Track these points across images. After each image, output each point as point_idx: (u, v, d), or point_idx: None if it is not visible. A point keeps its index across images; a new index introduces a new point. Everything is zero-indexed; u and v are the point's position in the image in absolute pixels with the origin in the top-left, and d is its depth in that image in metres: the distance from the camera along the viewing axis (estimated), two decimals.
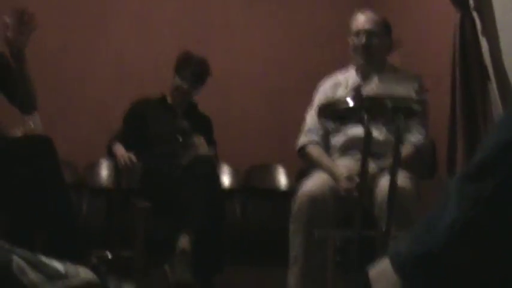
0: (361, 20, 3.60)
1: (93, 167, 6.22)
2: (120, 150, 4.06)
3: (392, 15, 5.42)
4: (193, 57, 4.39)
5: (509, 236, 1.22)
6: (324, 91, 3.73)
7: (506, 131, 1.21)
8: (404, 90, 2.95)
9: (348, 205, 3.13)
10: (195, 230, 3.55)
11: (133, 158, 4.02)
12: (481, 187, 1.20)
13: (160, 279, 3.59)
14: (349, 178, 3.23)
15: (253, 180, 6.56)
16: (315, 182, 3.34)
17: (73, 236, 3.08)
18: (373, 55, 3.54)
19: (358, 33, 3.56)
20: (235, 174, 6.50)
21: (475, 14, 3.90)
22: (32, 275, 1.65)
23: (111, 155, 4.21)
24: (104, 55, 6.67)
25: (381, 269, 1.38)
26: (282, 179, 6.55)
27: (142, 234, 3.87)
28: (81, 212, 5.78)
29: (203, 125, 4.41)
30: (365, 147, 2.89)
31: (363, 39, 3.55)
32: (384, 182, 3.05)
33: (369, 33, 3.54)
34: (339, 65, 3.65)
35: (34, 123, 4.15)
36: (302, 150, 3.69)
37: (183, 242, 3.48)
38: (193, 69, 4.30)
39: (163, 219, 3.90)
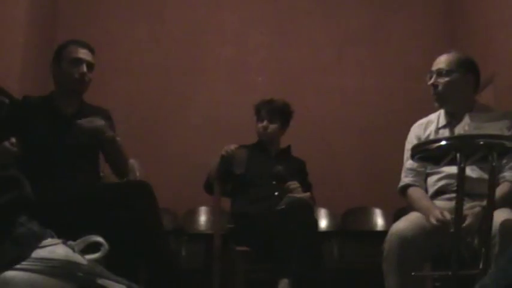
0: (435, 62, 3.61)
1: (192, 213, 6.41)
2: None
3: (482, 53, 5.42)
4: (267, 99, 4.57)
5: None
6: (414, 130, 3.75)
7: None
8: (496, 128, 2.95)
9: (445, 243, 3.11)
10: (294, 274, 3.58)
11: (234, 144, 4.31)
12: None
13: None
14: (441, 212, 3.21)
15: (350, 223, 6.58)
16: (405, 221, 3.33)
17: (174, 276, 3.22)
18: (444, 95, 3.52)
19: (430, 76, 3.58)
20: (332, 217, 6.53)
21: None
22: None
23: (208, 189, 4.43)
24: (199, 103, 6.88)
25: None
26: (379, 220, 6.54)
27: (243, 277, 3.93)
28: (181, 256, 5.94)
29: (297, 168, 4.48)
30: (459, 186, 2.90)
31: (430, 80, 3.56)
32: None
33: (436, 73, 3.54)
34: (430, 104, 3.65)
35: (133, 171, 4.36)
36: (403, 190, 3.69)
37: (283, 285, 3.52)
38: (267, 107, 4.47)
39: (263, 263, 3.95)
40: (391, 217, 5.94)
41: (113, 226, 3.14)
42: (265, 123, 4.46)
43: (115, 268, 1.98)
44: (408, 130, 3.80)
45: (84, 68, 3.69)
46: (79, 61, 3.69)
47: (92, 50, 3.78)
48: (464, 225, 3.03)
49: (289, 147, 4.63)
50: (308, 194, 4.19)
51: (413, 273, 3.14)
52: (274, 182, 4.19)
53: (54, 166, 3.56)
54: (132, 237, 3.21)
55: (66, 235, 1.92)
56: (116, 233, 3.10)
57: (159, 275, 3.18)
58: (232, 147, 4.26)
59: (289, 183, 4.12)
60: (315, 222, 4.04)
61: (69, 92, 3.73)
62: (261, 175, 4.25)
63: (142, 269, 3.35)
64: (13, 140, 3.22)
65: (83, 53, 3.72)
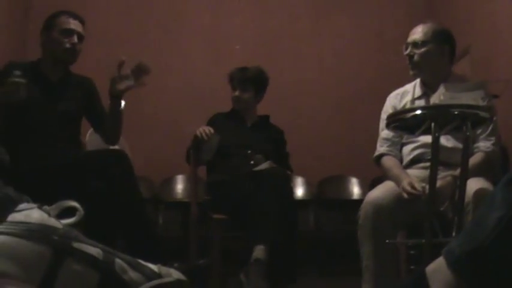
0: (411, 32, 3.62)
1: (169, 181, 6.43)
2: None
3: (459, 24, 5.45)
4: (240, 68, 4.49)
5: None
6: (390, 100, 3.77)
7: None
8: (470, 98, 2.97)
9: (419, 212, 3.14)
10: (269, 240, 3.60)
11: (211, 129, 4.15)
12: None
13: None
14: (411, 183, 3.25)
15: (326, 191, 6.62)
16: (380, 190, 3.38)
17: (152, 242, 3.25)
18: (419, 65, 3.55)
19: (406, 47, 3.60)
20: (308, 186, 6.57)
21: None
22: (132, 274, 1.81)
23: (187, 159, 4.38)
24: (176, 71, 6.86)
25: (436, 266, 1.48)
26: (355, 189, 6.59)
27: (219, 245, 3.96)
28: (158, 224, 5.96)
29: (275, 138, 4.48)
30: (433, 155, 2.93)
31: (406, 51, 3.58)
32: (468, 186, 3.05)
33: (412, 44, 3.56)
34: (407, 74, 3.66)
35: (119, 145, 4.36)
36: (378, 159, 3.72)
37: (258, 252, 3.54)
38: (240, 76, 4.42)
39: (239, 231, 3.97)
40: (368, 186, 5.98)
41: (90, 195, 3.15)
42: (237, 92, 4.42)
43: (93, 236, 1.99)
44: (385, 99, 3.82)
45: (75, 39, 3.72)
46: (70, 32, 3.72)
47: (82, 22, 3.81)
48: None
49: (267, 116, 4.61)
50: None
51: (387, 241, 3.18)
52: (249, 152, 4.19)
53: (37, 130, 3.59)
54: (109, 206, 3.23)
55: (44, 203, 1.93)
56: (94, 201, 3.12)
57: (137, 242, 3.20)
58: (207, 131, 4.14)
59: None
60: (291, 190, 4.07)
61: (57, 61, 3.74)
62: (236, 145, 4.23)
63: (120, 237, 3.36)
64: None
65: (74, 24, 3.75)
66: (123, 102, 3.73)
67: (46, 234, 1.74)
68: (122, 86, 3.61)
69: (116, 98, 3.68)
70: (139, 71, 3.62)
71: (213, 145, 4.14)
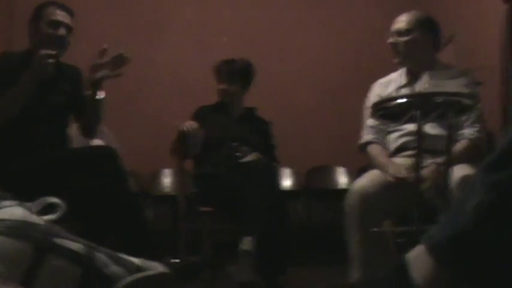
0: (395, 21, 3.63)
1: (156, 175, 6.42)
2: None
3: (444, 13, 5.45)
4: (227, 60, 4.47)
5: None
6: (375, 89, 3.77)
7: None
8: (454, 85, 2.98)
9: (405, 199, 3.15)
10: (256, 232, 3.60)
11: (194, 124, 4.14)
12: (501, 173, 1.30)
13: (225, 280, 3.66)
14: (397, 170, 3.26)
15: (314, 181, 6.63)
16: (366, 178, 3.38)
17: (143, 237, 3.23)
18: (404, 53, 3.55)
19: (391, 35, 3.61)
20: (296, 176, 6.58)
21: None
22: (114, 268, 1.82)
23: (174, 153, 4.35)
24: (162, 64, 6.84)
25: (417, 253, 1.47)
26: (343, 178, 6.60)
27: (208, 238, 3.96)
28: (147, 218, 5.95)
29: (261, 129, 4.48)
30: (418, 143, 2.94)
31: (391, 40, 3.59)
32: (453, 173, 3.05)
33: (396, 33, 3.57)
34: (394, 63, 3.67)
35: (107, 140, 4.32)
36: (363, 147, 3.72)
37: (246, 243, 3.54)
38: (227, 69, 4.40)
39: (227, 222, 3.97)
40: (355, 175, 5.98)
41: (80, 193, 3.12)
42: (224, 85, 4.40)
43: (83, 233, 1.99)
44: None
45: (63, 31, 3.60)
46: (58, 23, 3.59)
47: (71, 13, 3.68)
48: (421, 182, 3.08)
49: (253, 108, 4.61)
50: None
51: (375, 229, 3.18)
52: (235, 143, 4.19)
53: (27, 124, 3.49)
54: (99, 203, 3.19)
55: (32, 201, 1.93)
56: (83, 199, 3.10)
57: (129, 239, 3.17)
58: (194, 126, 4.13)
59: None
60: (277, 182, 4.07)
61: None
62: (222, 138, 4.23)
63: (111, 233, 3.33)
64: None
65: (62, 15, 3.62)
66: (103, 93, 3.63)
67: (27, 231, 1.74)
68: (99, 74, 3.49)
69: (92, 85, 3.55)
70: (119, 61, 3.54)
71: (197, 140, 4.13)
